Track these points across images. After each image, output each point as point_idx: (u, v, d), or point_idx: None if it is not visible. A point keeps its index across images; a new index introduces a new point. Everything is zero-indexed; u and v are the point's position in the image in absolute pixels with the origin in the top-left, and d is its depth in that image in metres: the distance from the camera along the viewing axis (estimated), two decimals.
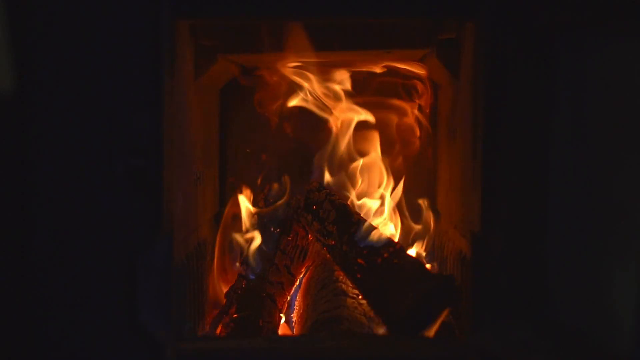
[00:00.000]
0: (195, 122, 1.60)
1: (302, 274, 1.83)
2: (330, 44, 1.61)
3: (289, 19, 1.43)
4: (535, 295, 1.18)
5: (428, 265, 1.69)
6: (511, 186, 1.18)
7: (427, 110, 1.97)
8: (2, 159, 1.16)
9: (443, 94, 1.88)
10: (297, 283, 1.81)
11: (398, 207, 1.85)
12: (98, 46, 1.15)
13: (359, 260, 1.51)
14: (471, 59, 1.33)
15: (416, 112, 1.96)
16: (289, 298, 1.79)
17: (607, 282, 1.12)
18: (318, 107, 1.85)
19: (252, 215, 1.83)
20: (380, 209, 1.84)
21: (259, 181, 1.99)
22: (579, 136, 1.16)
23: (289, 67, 1.82)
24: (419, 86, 1.95)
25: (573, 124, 1.16)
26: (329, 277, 1.70)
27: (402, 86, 1.96)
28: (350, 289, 1.62)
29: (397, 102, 1.95)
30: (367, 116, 1.84)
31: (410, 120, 1.95)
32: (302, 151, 2.01)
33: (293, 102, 1.86)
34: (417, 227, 1.87)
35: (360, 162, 1.85)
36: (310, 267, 1.83)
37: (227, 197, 1.98)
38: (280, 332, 1.73)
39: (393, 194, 1.84)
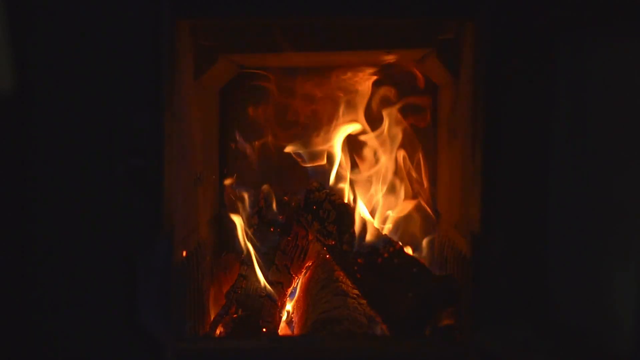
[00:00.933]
0: (195, 122, 1.60)
1: (302, 274, 1.83)
2: (330, 44, 1.61)
3: (288, 19, 1.43)
4: (535, 295, 1.18)
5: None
6: (511, 186, 1.18)
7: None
8: (2, 159, 1.16)
9: (443, 94, 1.88)
10: (297, 283, 1.81)
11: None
12: (98, 46, 1.15)
13: (359, 260, 1.51)
14: (471, 59, 1.33)
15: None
16: (289, 298, 1.79)
17: (607, 282, 1.12)
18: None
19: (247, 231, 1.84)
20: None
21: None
22: (578, 136, 1.15)
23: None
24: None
25: (573, 124, 1.16)
26: (329, 277, 1.70)
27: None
28: (350, 289, 1.62)
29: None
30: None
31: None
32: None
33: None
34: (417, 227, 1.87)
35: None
36: (310, 267, 1.83)
37: (227, 197, 1.98)
38: (280, 332, 1.73)
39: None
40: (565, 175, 1.17)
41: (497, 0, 1.16)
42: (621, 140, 1.10)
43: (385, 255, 1.47)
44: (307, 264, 1.82)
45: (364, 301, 1.56)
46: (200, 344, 1.29)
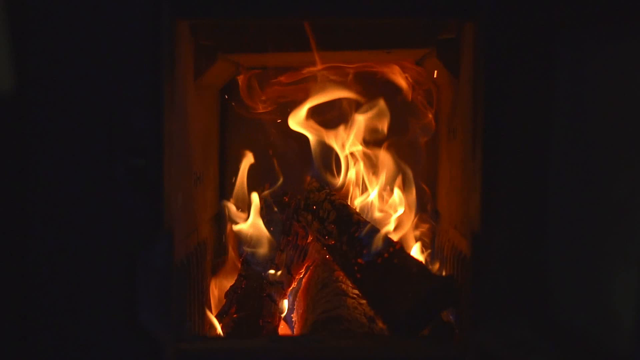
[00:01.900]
0: (195, 122, 1.60)
1: (302, 274, 1.83)
2: (330, 44, 1.61)
3: (288, 19, 1.43)
4: (535, 295, 1.18)
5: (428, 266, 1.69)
6: (511, 186, 1.18)
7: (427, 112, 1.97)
8: (1, 159, 1.16)
9: (443, 94, 1.88)
10: (297, 283, 1.81)
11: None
12: (98, 46, 1.15)
13: (359, 260, 1.51)
14: (471, 59, 1.33)
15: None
16: (289, 298, 1.79)
17: (607, 282, 1.12)
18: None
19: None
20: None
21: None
22: (579, 136, 1.15)
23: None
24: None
25: (573, 124, 1.16)
26: (329, 277, 1.70)
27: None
28: (350, 289, 1.62)
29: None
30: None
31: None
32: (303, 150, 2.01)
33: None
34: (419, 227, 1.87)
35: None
36: (310, 267, 1.83)
37: (227, 197, 1.97)
38: (280, 332, 1.73)
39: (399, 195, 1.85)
40: (566, 175, 1.17)
41: (497, 0, 1.16)
42: (622, 139, 1.10)
43: (385, 255, 1.47)
44: (307, 264, 1.82)
45: (364, 301, 1.56)
46: (200, 344, 1.28)
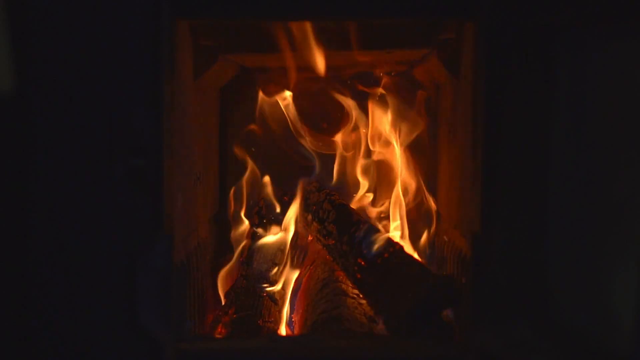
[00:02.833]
0: (195, 122, 1.60)
1: (302, 274, 1.83)
2: (330, 44, 1.61)
3: (288, 20, 1.43)
4: (535, 295, 1.18)
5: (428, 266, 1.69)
6: (511, 186, 1.18)
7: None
8: (1, 159, 1.16)
9: (443, 94, 1.88)
10: (297, 283, 1.81)
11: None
12: (98, 46, 1.15)
13: (359, 260, 1.51)
14: (471, 59, 1.33)
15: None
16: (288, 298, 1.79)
17: (607, 282, 1.12)
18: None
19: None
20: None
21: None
22: (579, 136, 1.15)
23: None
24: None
25: (573, 124, 1.16)
26: (329, 277, 1.70)
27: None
28: (350, 289, 1.62)
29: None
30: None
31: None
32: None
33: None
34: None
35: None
36: (310, 267, 1.83)
37: (227, 197, 1.97)
38: (280, 332, 1.73)
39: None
40: (566, 175, 1.17)
41: (497, 0, 1.16)
42: (622, 139, 1.10)
43: (385, 255, 1.47)
44: (307, 264, 1.82)
45: (364, 301, 1.56)
46: (200, 344, 1.29)
